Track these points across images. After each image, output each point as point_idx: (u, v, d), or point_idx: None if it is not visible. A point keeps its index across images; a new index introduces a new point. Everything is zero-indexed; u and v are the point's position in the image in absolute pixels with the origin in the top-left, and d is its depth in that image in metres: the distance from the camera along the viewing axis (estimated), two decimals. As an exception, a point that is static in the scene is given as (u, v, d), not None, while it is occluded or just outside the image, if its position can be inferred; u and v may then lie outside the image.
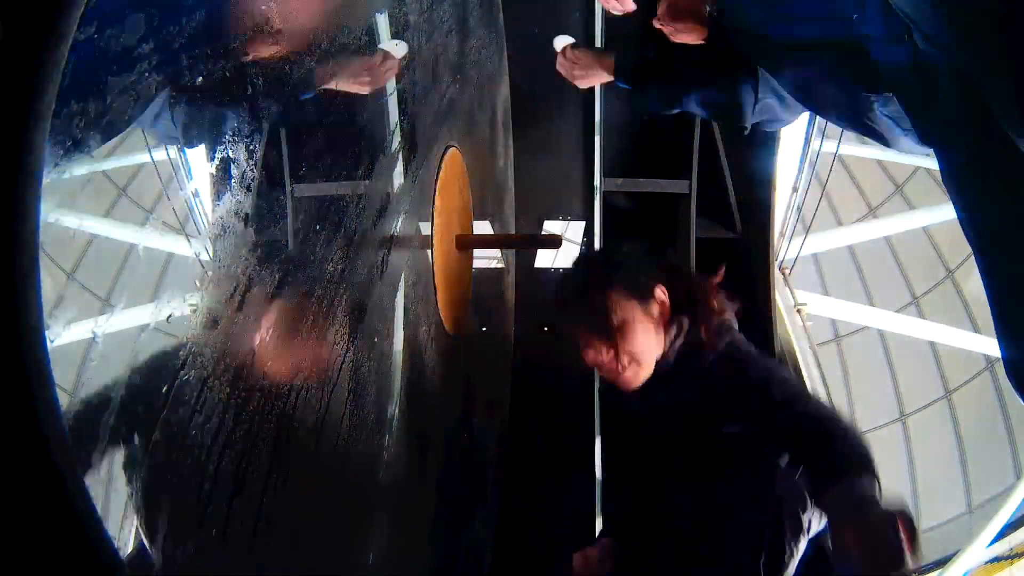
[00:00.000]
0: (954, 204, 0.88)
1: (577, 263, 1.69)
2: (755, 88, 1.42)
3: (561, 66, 1.76)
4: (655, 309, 1.37)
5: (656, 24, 1.50)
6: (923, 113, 0.94)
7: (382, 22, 1.13)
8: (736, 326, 1.42)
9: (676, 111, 1.64)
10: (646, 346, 1.34)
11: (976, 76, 0.72)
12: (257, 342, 0.66)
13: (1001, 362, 0.81)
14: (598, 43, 2.65)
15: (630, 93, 1.76)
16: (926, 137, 0.98)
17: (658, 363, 1.35)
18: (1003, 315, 0.80)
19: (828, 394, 3.41)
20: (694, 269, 2.50)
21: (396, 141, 1.19)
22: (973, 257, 0.84)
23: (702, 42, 1.43)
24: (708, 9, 1.36)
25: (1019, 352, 0.79)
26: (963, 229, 0.86)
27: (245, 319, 0.64)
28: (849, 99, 1.14)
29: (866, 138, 1.19)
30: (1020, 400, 0.79)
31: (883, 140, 1.14)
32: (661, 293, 1.37)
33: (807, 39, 1.14)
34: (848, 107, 1.16)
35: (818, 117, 1.48)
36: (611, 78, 1.69)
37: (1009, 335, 0.80)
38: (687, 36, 1.44)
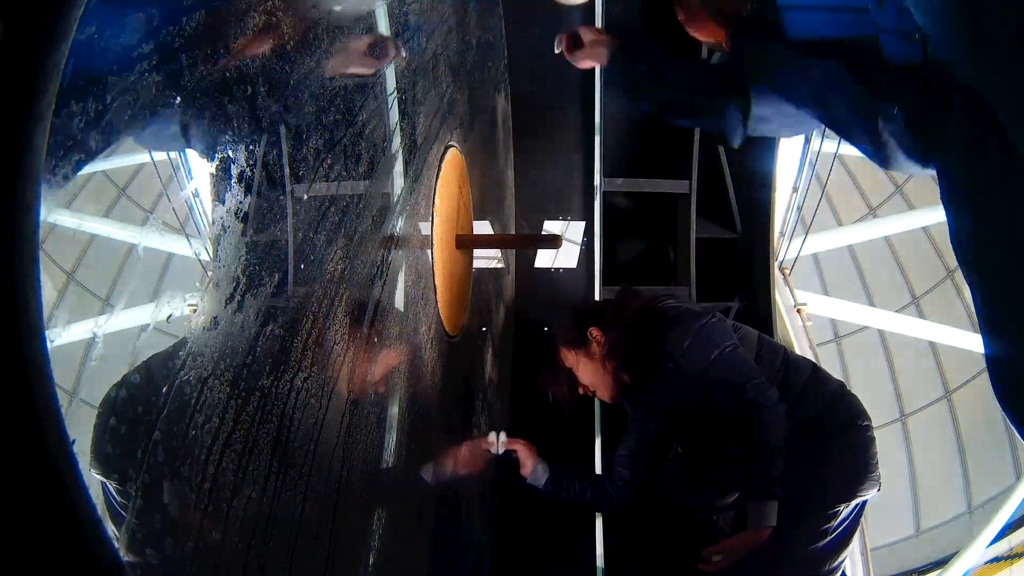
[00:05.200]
0: (949, 221, 0.88)
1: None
2: (743, 113, 1.28)
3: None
4: (594, 348, 1.83)
5: (678, 8, 1.33)
6: (925, 127, 0.92)
7: (382, 21, 1.13)
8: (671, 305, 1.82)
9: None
10: (594, 377, 1.86)
11: (993, 96, 0.71)
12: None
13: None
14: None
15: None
16: (926, 155, 0.95)
17: (619, 374, 1.84)
18: (993, 324, 0.80)
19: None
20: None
21: (396, 141, 1.19)
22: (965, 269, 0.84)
23: (720, 45, 1.29)
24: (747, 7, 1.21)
25: (1006, 358, 0.79)
26: (954, 244, 0.86)
27: (245, 319, 0.64)
28: (854, 110, 1.07)
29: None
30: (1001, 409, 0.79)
31: (884, 159, 1.09)
32: (595, 333, 1.83)
33: (819, 37, 1.06)
34: (852, 117, 1.09)
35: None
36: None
37: (997, 343, 0.80)
38: (704, 33, 1.30)
